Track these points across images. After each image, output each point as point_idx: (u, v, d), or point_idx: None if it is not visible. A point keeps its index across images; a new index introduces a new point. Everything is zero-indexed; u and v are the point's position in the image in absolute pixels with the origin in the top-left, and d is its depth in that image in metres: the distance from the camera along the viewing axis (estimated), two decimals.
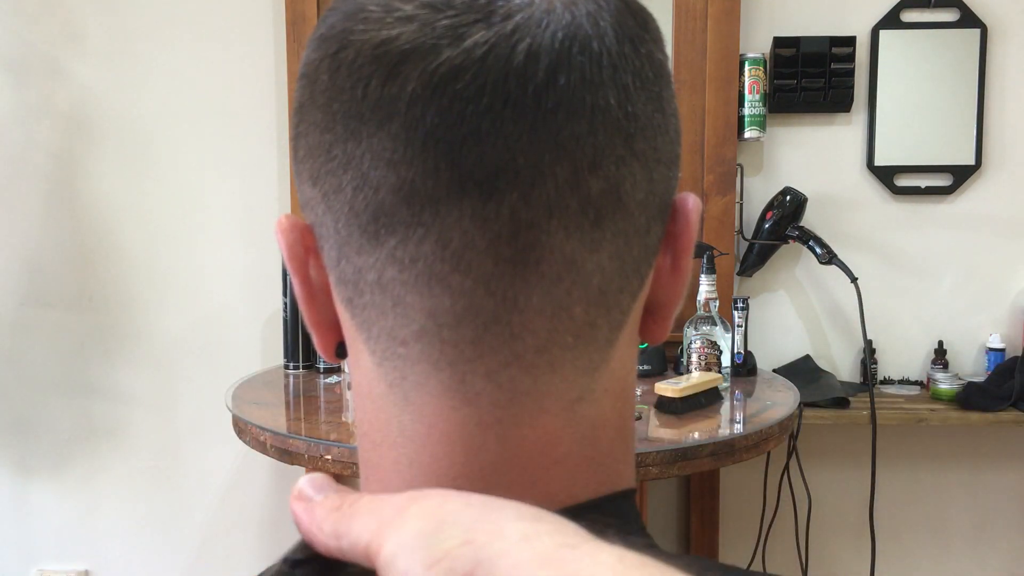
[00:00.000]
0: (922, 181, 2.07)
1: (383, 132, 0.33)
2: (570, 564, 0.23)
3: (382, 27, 0.34)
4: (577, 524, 0.26)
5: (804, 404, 1.83)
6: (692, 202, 0.39)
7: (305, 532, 0.30)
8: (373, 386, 0.38)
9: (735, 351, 1.85)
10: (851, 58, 2.01)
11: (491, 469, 0.36)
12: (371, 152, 0.34)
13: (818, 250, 1.91)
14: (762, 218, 2.03)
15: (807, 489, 1.94)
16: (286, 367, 1.95)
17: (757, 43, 2.05)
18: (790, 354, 2.11)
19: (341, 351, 0.41)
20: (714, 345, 1.68)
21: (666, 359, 1.88)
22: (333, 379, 1.84)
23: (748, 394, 1.73)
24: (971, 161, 2.05)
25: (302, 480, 0.32)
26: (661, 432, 1.40)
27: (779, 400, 1.62)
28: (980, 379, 1.98)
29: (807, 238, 1.94)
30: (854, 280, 1.84)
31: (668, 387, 1.48)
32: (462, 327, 0.35)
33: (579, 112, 0.33)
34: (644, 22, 0.36)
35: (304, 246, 0.38)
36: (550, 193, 0.33)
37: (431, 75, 0.32)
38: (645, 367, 1.81)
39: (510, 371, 0.35)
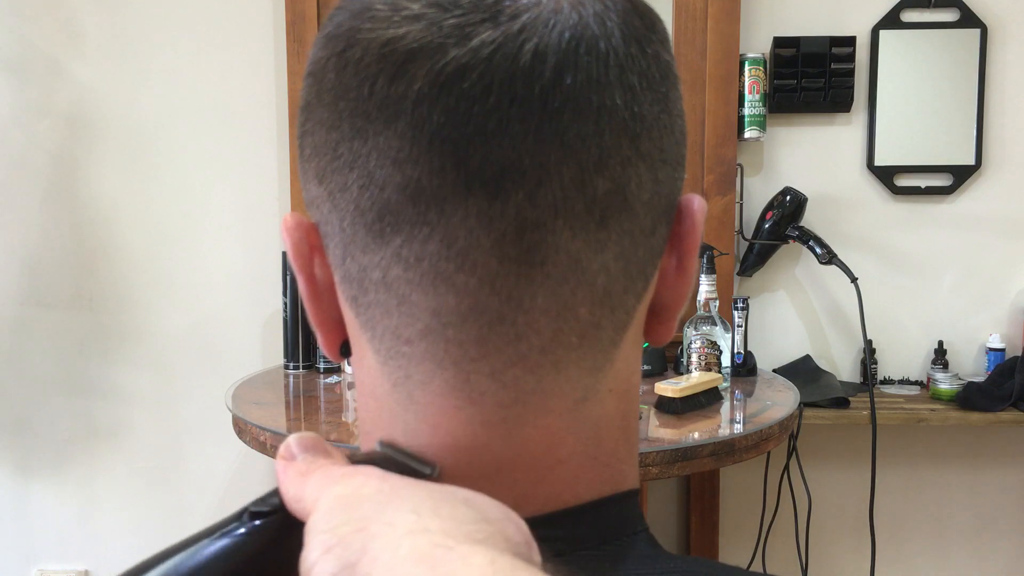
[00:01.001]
0: (922, 181, 2.07)
1: (389, 131, 0.33)
2: (442, 564, 0.24)
3: (389, 26, 0.34)
4: (476, 517, 0.27)
5: (804, 404, 1.83)
6: (697, 203, 0.39)
7: (279, 484, 0.32)
8: (377, 385, 0.38)
9: (735, 351, 1.85)
10: (851, 58, 2.01)
11: (495, 468, 0.36)
12: (377, 151, 0.34)
13: (818, 250, 1.91)
14: (762, 218, 2.03)
15: (807, 489, 1.94)
16: (286, 367, 1.95)
17: (757, 43, 2.06)
18: (790, 354, 2.11)
19: (345, 350, 0.41)
20: (714, 345, 1.68)
21: (666, 359, 1.88)
22: (333, 379, 1.84)
23: (748, 394, 1.73)
24: (971, 161, 2.05)
25: (291, 438, 0.33)
26: (661, 432, 1.40)
27: (779, 400, 1.62)
28: (980, 379, 1.98)
29: (807, 238, 1.94)
30: (854, 280, 1.84)
31: (668, 387, 1.48)
32: (467, 326, 0.35)
33: (585, 112, 0.33)
34: (651, 23, 0.36)
35: (309, 244, 0.38)
36: (556, 193, 0.33)
37: (438, 74, 0.33)
38: (645, 367, 1.81)
39: (515, 371, 0.35)
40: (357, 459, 0.34)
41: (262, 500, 0.32)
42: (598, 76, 0.33)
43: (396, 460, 0.36)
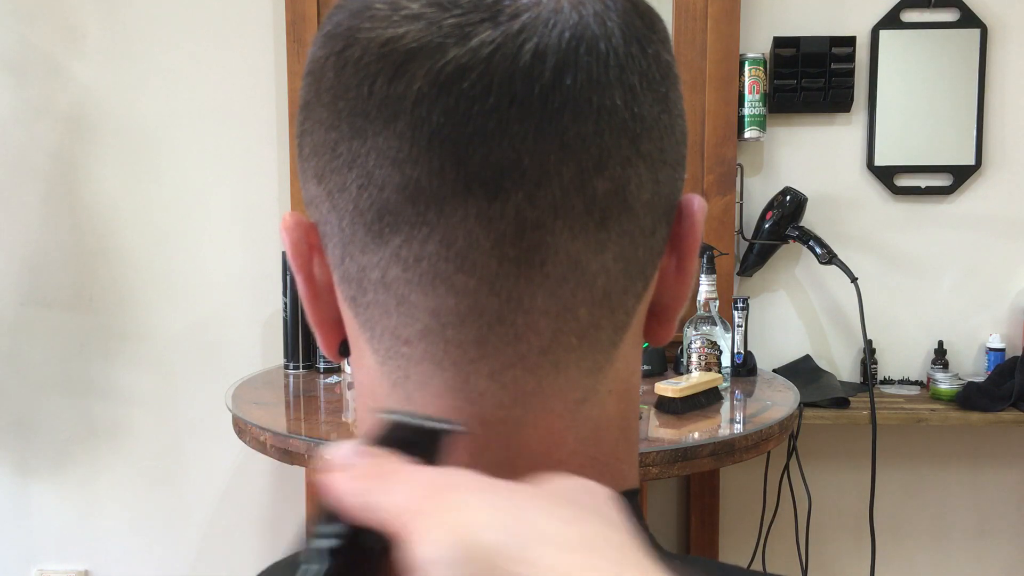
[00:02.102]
0: (922, 181, 2.07)
1: (389, 130, 0.33)
2: None
3: (389, 25, 0.33)
4: (609, 526, 0.26)
5: (804, 404, 1.83)
6: (697, 203, 0.39)
7: (336, 497, 0.28)
8: (376, 385, 0.38)
9: (735, 351, 1.85)
10: (851, 58, 2.01)
11: (495, 469, 0.36)
12: (376, 150, 0.34)
13: (818, 250, 1.91)
14: (762, 218, 2.03)
15: (807, 489, 1.94)
16: (286, 367, 1.95)
17: (757, 43, 2.05)
18: (790, 354, 2.11)
19: (344, 349, 0.41)
20: (714, 345, 1.68)
21: (666, 359, 1.88)
22: (333, 379, 1.84)
23: (748, 394, 1.73)
24: (971, 161, 2.05)
25: (339, 448, 0.30)
26: (661, 432, 1.40)
27: (779, 400, 1.62)
28: (980, 379, 1.98)
29: (807, 238, 1.94)
30: (854, 280, 1.84)
31: (668, 387, 1.48)
32: (466, 327, 0.35)
33: (585, 112, 0.33)
34: (651, 23, 0.36)
35: (308, 244, 0.38)
36: (556, 193, 0.33)
37: (437, 74, 0.32)
38: (645, 367, 1.81)
39: (514, 371, 0.35)
40: (381, 437, 0.31)
41: (321, 530, 0.28)
42: (598, 76, 0.33)
43: (422, 428, 0.32)
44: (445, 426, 0.32)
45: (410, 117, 0.33)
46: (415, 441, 0.31)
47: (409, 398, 0.37)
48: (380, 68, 0.33)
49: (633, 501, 0.40)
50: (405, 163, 0.33)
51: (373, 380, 0.38)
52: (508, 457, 0.36)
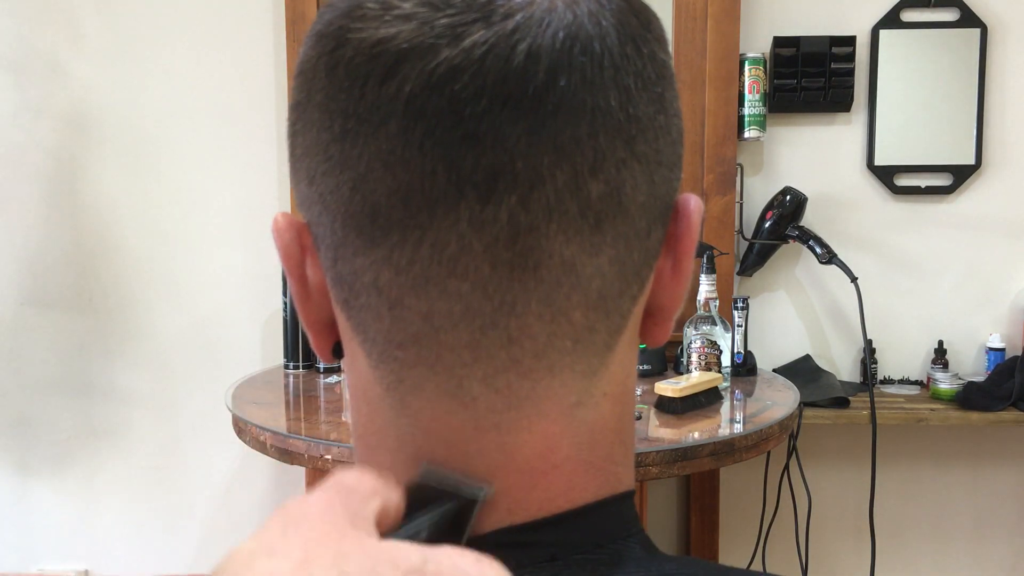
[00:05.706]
0: (922, 181, 2.07)
1: (380, 133, 0.33)
2: None
3: (380, 25, 0.33)
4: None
5: (804, 404, 1.83)
6: (694, 204, 0.39)
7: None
8: (369, 388, 0.38)
9: (735, 351, 1.85)
10: (851, 58, 2.01)
11: (489, 473, 0.36)
12: (368, 153, 0.33)
13: (818, 250, 1.91)
14: (762, 218, 2.03)
15: (807, 489, 1.94)
16: (286, 367, 1.95)
17: (757, 43, 2.05)
18: (790, 354, 2.11)
19: (338, 351, 0.40)
20: (714, 345, 1.68)
21: (666, 359, 1.88)
22: (333, 379, 1.84)
23: (748, 394, 1.73)
24: (971, 161, 2.05)
25: (364, 480, 0.31)
26: (661, 432, 1.40)
27: (779, 400, 1.62)
28: (980, 379, 1.98)
29: (807, 238, 1.94)
30: (854, 280, 1.84)
31: (668, 387, 1.48)
32: (459, 331, 0.34)
33: (580, 114, 0.33)
34: (647, 22, 0.36)
35: (300, 245, 0.38)
36: (549, 196, 0.33)
37: (429, 75, 0.32)
38: (645, 367, 1.81)
39: (508, 376, 0.35)
40: (409, 488, 0.33)
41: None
42: (592, 77, 0.33)
43: (446, 488, 0.34)
44: (476, 492, 0.34)
45: (401, 119, 0.32)
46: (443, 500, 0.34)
47: (403, 402, 0.37)
48: (371, 69, 0.33)
49: (628, 504, 0.40)
50: (397, 166, 0.33)
51: (367, 383, 0.38)
52: (502, 462, 0.36)
